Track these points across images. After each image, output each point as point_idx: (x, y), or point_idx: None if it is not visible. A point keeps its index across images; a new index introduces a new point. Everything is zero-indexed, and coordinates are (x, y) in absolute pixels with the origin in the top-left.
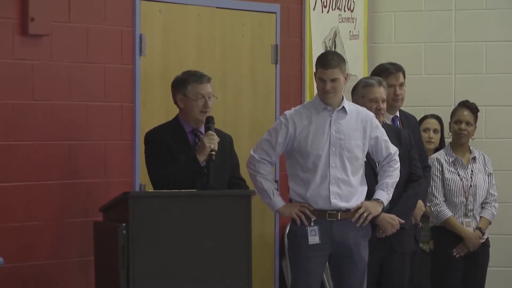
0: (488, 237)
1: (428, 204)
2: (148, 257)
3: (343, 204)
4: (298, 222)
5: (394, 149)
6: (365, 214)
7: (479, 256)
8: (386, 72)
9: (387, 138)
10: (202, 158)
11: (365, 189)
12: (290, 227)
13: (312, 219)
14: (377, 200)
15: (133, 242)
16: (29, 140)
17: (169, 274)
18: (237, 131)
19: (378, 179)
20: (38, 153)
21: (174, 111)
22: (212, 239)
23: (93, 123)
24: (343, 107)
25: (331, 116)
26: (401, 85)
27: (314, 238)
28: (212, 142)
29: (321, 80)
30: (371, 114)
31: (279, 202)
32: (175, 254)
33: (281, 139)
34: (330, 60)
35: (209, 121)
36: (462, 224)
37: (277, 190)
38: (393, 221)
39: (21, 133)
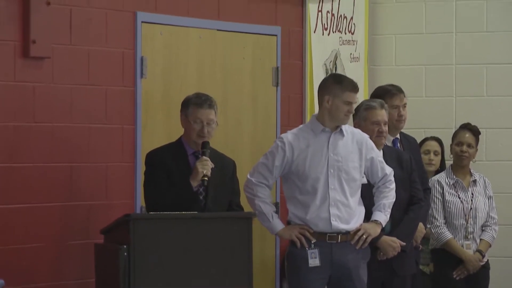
0: (488, 260)
1: (428, 226)
2: (149, 279)
3: (343, 226)
4: (298, 244)
5: (389, 170)
6: (364, 236)
7: (479, 278)
8: (389, 93)
9: (382, 159)
10: (195, 184)
11: (362, 210)
12: (289, 249)
13: (312, 241)
14: (376, 221)
15: (134, 264)
16: (30, 162)
17: None
18: (238, 153)
19: (374, 200)
20: (39, 175)
21: (175, 133)
22: (213, 261)
23: (94, 145)
24: (341, 129)
25: (329, 138)
26: (405, 105)
27: (314, 261)
28: (205, 167)
29: (348, 104)
30: (366, 136)
31: (278, 224)
32: (176, 276)
33: (278, 163)
34: (356, 84)
35: (204, 146)
36: (462, 246)
37: (276, 213)
38: (394, 243)
39: (22, 155)
